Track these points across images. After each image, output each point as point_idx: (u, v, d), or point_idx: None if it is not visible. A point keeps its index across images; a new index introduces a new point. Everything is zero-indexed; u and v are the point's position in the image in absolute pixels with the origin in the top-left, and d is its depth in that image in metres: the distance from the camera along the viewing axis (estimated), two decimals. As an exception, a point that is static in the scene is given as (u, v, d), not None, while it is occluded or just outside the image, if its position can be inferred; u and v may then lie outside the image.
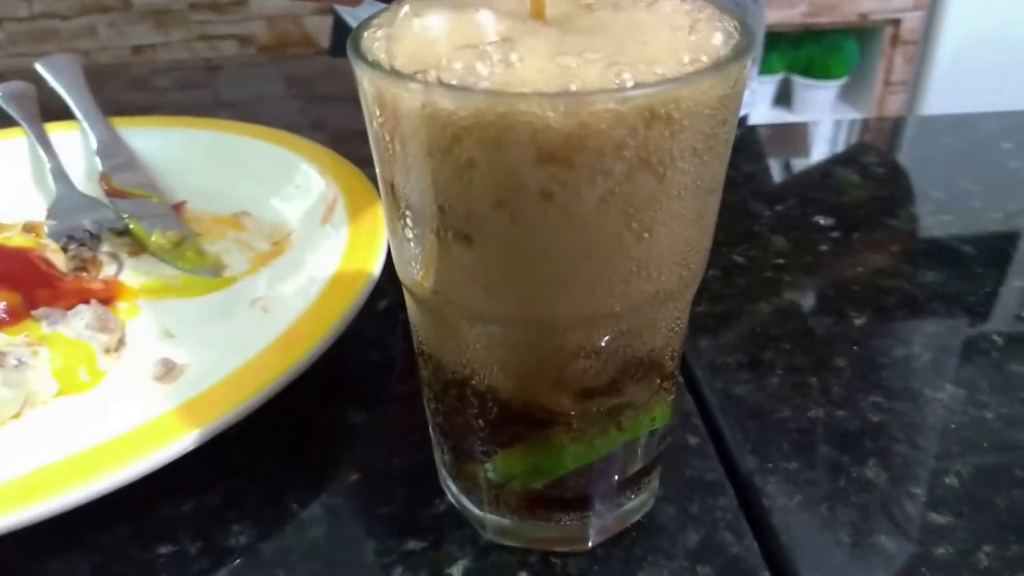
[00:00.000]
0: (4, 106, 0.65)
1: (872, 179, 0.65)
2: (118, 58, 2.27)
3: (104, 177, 0.56)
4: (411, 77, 0.23)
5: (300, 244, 0.51)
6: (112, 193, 0.55)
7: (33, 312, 0.41)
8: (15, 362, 0.38)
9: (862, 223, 0.58)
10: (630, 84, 0.22)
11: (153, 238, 0.51)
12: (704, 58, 0.24)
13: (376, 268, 0.45)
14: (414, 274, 0.28)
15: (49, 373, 0.39)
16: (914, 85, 2.54)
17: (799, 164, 0.71)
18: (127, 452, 0.33)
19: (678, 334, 0.30)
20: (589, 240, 0.24)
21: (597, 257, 0.25)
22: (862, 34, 2.53)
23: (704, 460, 0.38)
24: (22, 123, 0.62)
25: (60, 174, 0.57)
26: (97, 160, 0.58)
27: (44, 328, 0.41)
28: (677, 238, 0.25)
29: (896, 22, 2.44)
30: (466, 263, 0.26)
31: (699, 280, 0.29)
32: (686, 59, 0.24)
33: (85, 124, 0.62)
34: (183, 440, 0.34)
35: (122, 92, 0.87)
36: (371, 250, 0.46)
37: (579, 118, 0.22)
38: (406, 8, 0.26)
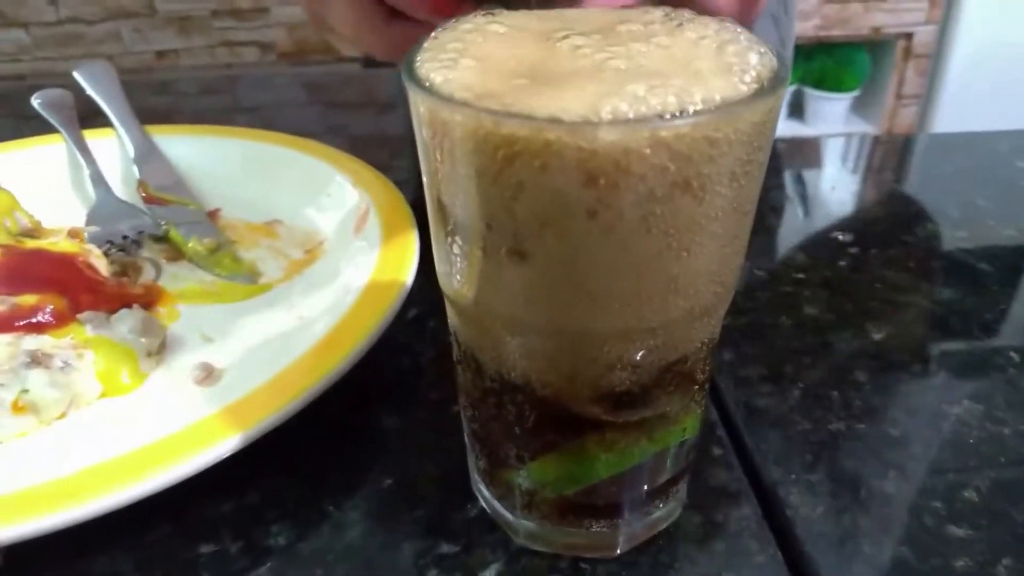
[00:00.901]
0: (43, 113, 0.67)
1: (888, 196, 0.66)
2: (142, 63, 2.30)
3: (142, 184, 0.58)
4: (464, 103, 0.25)
5: (333, 253, 0.53)
6: (150, 200, 0.56)
7: (78, 316, 0.43)
8: (61, 364, 0.40)
9: (879, 239, 0.59)
10: (674, 112, 0.23)
11: (190, 245, 0.52)
12: (743, 86, 0.25)
13: (408, 278, 0.46)
14: (458, 285, 0.29)
15: (94, 375, 0.41)
16: (926, 98, 2.55)
17: (816, 179, 0.72)
18: (172, 454, 0.34)
19: (710, 349, 0.31)
20: (630, 258, 0.25)
21: (637, 274, 0.26)
22: (875, 47, 2.54)
23: (728, 470, 0.39)
24: (60, 129, 0.64)
25: (99, 180, 0.59)
26: (134, 167, 0.60)
27: (89, 332, 0.42)
28: (713, 256, 0.27)
29: (909, 36, 2.45)
30: (510, 277, 0.27)
31: (731, 296, 0.30)
32: (726, 85, 0.25)
33: (122, 131, 0.63)
34: (225, 443, 0.35)
35: (144, 96, 0.88)
36: (403, 260, 0.47)
37: (624, 145, 0.23)
38: (462, 30, 0.27)
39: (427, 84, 0.26)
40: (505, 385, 0.31)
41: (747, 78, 0.25)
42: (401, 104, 0.84)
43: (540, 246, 0.26)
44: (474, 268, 0.28)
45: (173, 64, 2.32)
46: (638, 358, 0.28)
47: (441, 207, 0.28)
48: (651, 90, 0.24)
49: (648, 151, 0.23)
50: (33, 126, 0.66)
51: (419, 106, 0.26)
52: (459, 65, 0.26)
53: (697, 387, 0.32)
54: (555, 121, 0.23)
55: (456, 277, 0.29)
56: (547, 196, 0.24)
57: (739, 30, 0.28)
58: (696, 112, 0.24)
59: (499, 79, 0.25)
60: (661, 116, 0.23)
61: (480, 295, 0.29)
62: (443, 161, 0.26)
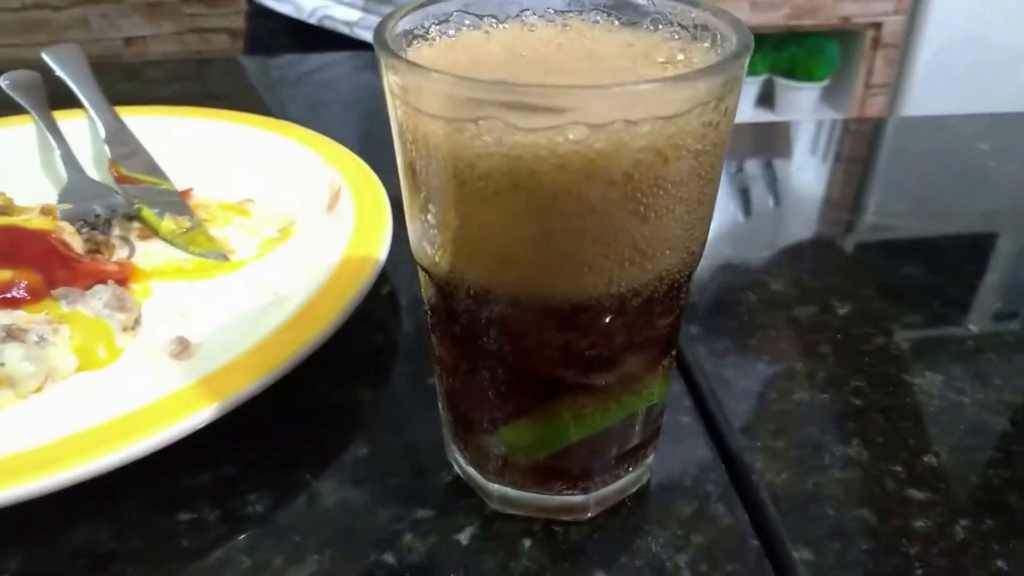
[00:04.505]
0: (11, 94, 0.66)
1: (855, 177, 0.67)
2: (110, 50, 2.27)
3: (113, 164, 0.57)
4: (439, 70, 0.25)
5: (306, 231, 0.53)
6: (122, 179, 0.56)
7: (52, 292, 0.43)
8: (36, 339, 0.40)
9: (844, 219, 0.60)
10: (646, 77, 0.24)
11: (164, 223, 0.52)
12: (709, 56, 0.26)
13: (382, 254, 0.47)
14: (431, 254, 0.30)
15: (69, 350, 0.41)
16: (894, 88, 2.58)
17: (782, 163, 0.73)
18: (150, 424, 0.35)
19: (677, 315, 0.32)
20: (598, 221, 0.26)
21: (605, 238, 0.27)
22: (844, 37, 2.56)
23: (695, 438, 0.40)
24: (30, 111, 0.64)
25: (70, 160, 0.59)
26: (105, 147, 0.60)
27: (64, 307, 0.42)
28: (679, 222, 0.27)
29: (878, 26, 2.48)
30: (481, 244, 0.28)
31: (698, 263, 0.31)
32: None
33: (92, 112, 0.63)
34: (201, 413, 0.35)
35: (113, 83, 0.88)
36: (377, 237, 0.48)
37: (596, 106, 0.24)
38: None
39: (401, 53, 0.26)
40: (478, 351, 0.31)
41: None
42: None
43: (508, 213, 0.26)
44: (446, 236, 0.29)
45: (141, 51, 2.30)
46: (607, 322, 0.29)
47: (414, 174, 0.29)
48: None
49: (619, 114, 0.24)
50: None
51: (389, 73, 0.27)
52: (436, 43, 0.27)
53: (664, 353, 0.32)
54: (526, 85, 0.24)
55: (429, 244, 0.30)
56: (516, 161, 0.25)
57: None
58: (652, 80, 0.24)
59: (474, 59, 0.26)
60: (635, 81, 0.24)
61: (452, 263, 0.29)
62: (413, 127, 0.27)
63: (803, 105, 2.63)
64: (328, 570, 0.33)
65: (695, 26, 0.30)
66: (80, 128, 0.64)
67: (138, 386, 0.40)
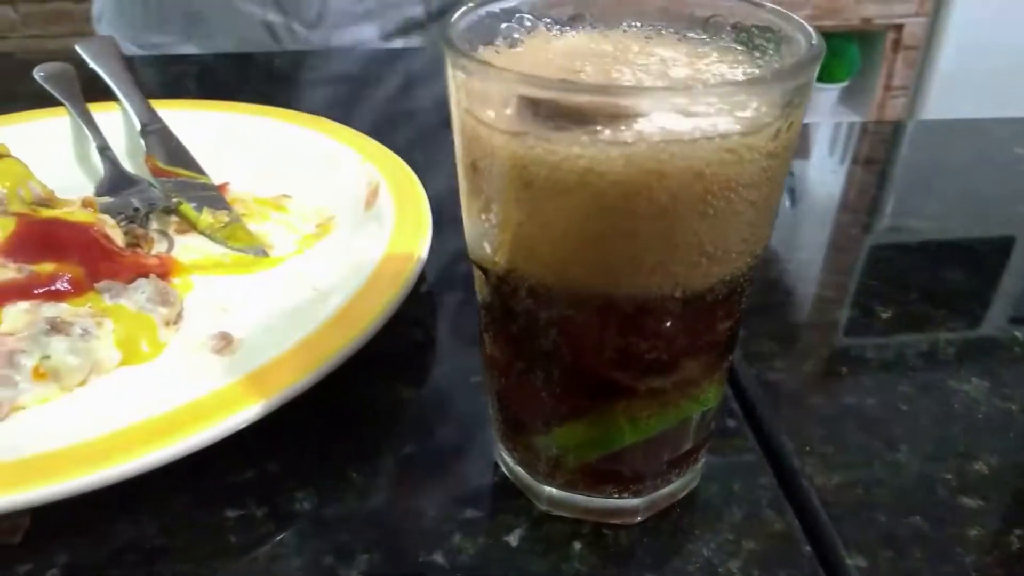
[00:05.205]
0: (46, 86, 0.66)
1: (892, 180, 0.67)
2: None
3: (149, 157, 0.57)
4: (511, 69, 0.25)
5: (345, 227, 0.53)
6: (158, 173, 0.56)
7: (96, 285, 0.43)
8: (81, 332, 0.40)
9: (880, 221, 0.59)
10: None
11: (203, 217, 0.52)
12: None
13: (423, 251, 0.46)
14: (489, 251, 0.30)
15: (113, 343, 0.41)
16: (914, 90, 2.56)
17: (814, 164, 0.72)
18: (198, 419, 0.35)
19: (737, 319, 0.31)
20: (668, 225, 0.26)
21: (673, 241, 0.26)
22: (864, 38, 2.55)
23: (743, 442, 0.39)
24: (65, 103, 0.64)
25: (106, 153, 0.59)
26: (141, 140, 0.59)
27: (107, 300, 0.42)
28: (746, 225, 0.27)
29: (899, 27, 2.46)
30: (544, 243, 0.27)
31: (758, 267, 0.30)
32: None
33: (127, 104, 0.63)
34: (249, 410, 0.35)
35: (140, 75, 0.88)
36: (417, 234, 0.48)
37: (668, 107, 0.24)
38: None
39: (471, 53, 0.26)
40: (534, 351, 0.31)
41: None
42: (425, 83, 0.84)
43: (577, 211, 0.26)
44: (508, 235, 0.28)
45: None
46: (668, 325, 0.29)
47: (476, 172, 0.28)
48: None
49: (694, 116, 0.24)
50: (19, 104, 0.65)
51: (457, 72, 0.27)
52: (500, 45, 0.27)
53: (723, 358, 0.32)
54: (600, 88, 0.24)
55: (487, 242, 0.29)
56: (586, 161, 0.25)
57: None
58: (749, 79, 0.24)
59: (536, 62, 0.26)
60: (713, 83, 0.24)
61: (511, 260, 0.29)
62: (476, 125, 0.27)
63: (822, 106, 2.62)
64: (379, 569, 0.33)
65: (759, 28, 0.30)
66: (114, 121, 0.63)
67: (182, 381, 0.40)
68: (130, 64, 0.70)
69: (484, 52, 0.30)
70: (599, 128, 0.24)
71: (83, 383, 0.40)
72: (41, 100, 0.65)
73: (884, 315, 0.48)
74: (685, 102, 0.24)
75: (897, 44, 2.49)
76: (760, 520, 0.35)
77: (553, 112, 0.25)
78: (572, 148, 0.25)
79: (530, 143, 0.25)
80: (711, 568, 0.33)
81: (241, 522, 0.35)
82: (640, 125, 0.24)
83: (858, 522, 0.35)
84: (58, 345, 0.39)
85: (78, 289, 0.42)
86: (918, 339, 0.46)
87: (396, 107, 0.79)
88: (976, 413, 0.41)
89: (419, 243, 0.47)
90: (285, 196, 0.57)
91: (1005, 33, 2.31)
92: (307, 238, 0.53)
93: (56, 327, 0.39)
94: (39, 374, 0.38)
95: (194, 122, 0.63)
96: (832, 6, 2.40)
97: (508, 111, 0.26)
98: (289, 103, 0.65)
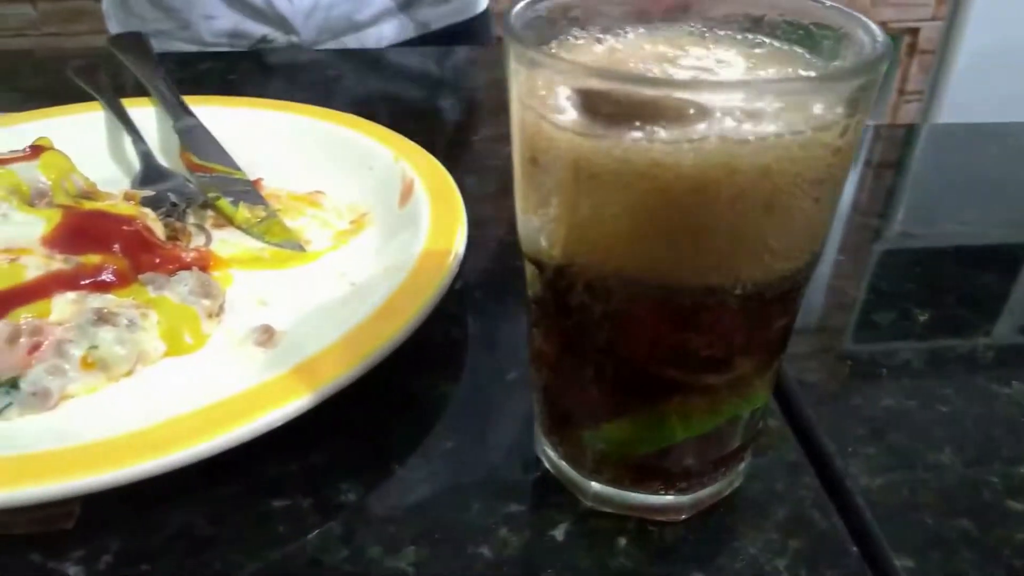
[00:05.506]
0: (79, 81, 0.66)
1: (923, 184, 0.67)
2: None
3: (184, 152, 0.58)
4: (591, 65, 0.25)
5: (379, 224, 0.53)
6: (194, 168, 0.56)
7: (140, 277, 0.43)
8: (127, 322, 0.40)
9: (915, 224, 0.59)
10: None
11: (239, 212, 0.52)
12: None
13: (460, 247, 0.47)
14: (545, 245, 0.30)
15: (158, 335, 0.41)
16: (929, 95, 2.55)
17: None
18: (247, 411, 0.35)
19: (791, 318, 0.31)
20: (733, 220, 0.26)
21: (737, 236, 0.26)
22: (881, 43, 2.54)
23: (784, 442, 0.39)
24: (98, 97, 0.64)
25: (142, 147, 0.59)
26: (176, 135, 0.60)
27: (151, 292, 0.42)
28: (810, 220, 0.27)
29: (915, 31, 2.46)
30: (606, 238, 0.28)
31: (817, 265, 0.30)
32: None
33: (161, 100, 0.63)
34: (299, 401, 0.35)
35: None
36: (453, 230, 0.48)
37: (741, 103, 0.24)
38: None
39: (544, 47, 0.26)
40: (588, 347, 0.31)
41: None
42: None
43: (642, 206, 0.26)
44: (568, 230, 0.28)
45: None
46: (725, 322, 0.29)
47: (536, 168, 0.28)
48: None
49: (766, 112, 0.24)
50: (37, 100, 0.66)
51: (521, 66, 0.27)
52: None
53: (776, 356, 0.32)
54: (677, 83, 0.24)
55: (546, 239, 0.30)
56: (653, 155, 0.25)
57: None
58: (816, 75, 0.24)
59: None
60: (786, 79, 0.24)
61: (573, 257, 0.29)
62: (539, 119, 0.27)
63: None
64: (426, 561, 0.33)
65: (818, 26, 0.30)
66: (147, 116, 0.64)
67: (226, 373, 0.40)
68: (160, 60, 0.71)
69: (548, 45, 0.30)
70: (668, 123, 0.24)
71: (129, 373, 0.40)
72: (76, 96, 0.65)
73: (922, 318, 0.48)
74: (757, 98, 0.24)
75: (912, 48, 2.49)
76: (804, 519, 0.35)
77: (622, 106, 0.25)
78: (640, 143, 0.25)
79: (597, 137, 0.25)
80: (758, 566, 0.33)
81: (288, 512, 0.35)
82: (710, 120, 0.24)
83: (904, 523, 0.35)
84: (106, 335, 0.39)
85: (122, 281, 0.42)
86: (957, 343, 0.46)
87: (416, 106, 0.79)
88: (1019, 417, 0.41)
89: (456, 239, 0.47)
90: (318, 192, 0.57)
91: (1022, 38, 2.30)
92: (342, 234, 0.53)
93: (103, 318, 0.40)
94: (87, 364, 0.39)
95: (224, 118, 0.63)
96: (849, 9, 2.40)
97: (574, 105, 0.26)
98: (314, 101, 0.66)
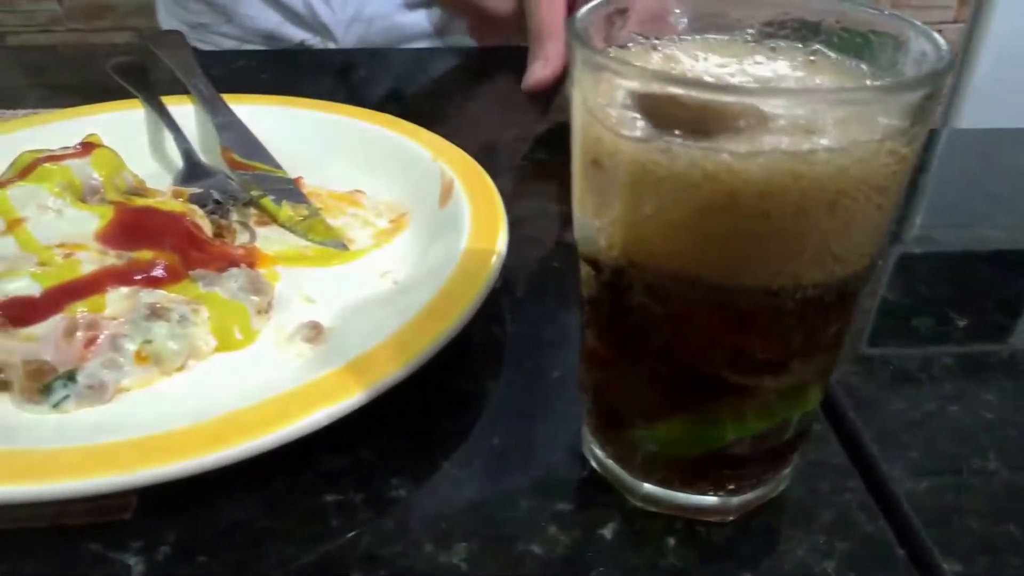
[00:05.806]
0: (119, 79, 0.67)
1: (953, 188, 0.67)
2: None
3: (226, 150, 0.58)
4: (658, 70, 0.25)
5: (420, 223, 0.53)
6: (235, 166, 0.57)
7: (190, 273, 0.44)
8: (179, 317, 0.41)
9: (953, 231, 0.59)
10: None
11: (282, 210, 0.53)
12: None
13: (502, 247, 0.47)
14: (604, 246, 0.30)
15: (208, 330, 0.41)
16: (950, 97, 2.54)
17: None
18: (301, 407, 0.35)
19: (847, 322, 0.32)
20: (797, 224, 0.26)
21: (799, 240, 0.27)
22: (902, 47, 2.52)
23: (829, 445, 0.40)
24: (138, 95, 0.65)
25: (184, 145, 0.60)
26: (216, 133, 0.60)
27: (201, 288, 0.43)
28: (872, 227, 0.28)
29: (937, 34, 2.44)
30: (667, 240, 0.28)
31: (872, 271, 0.31)
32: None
33: (200, 99, 0.64)
34: (353, 398, 0.36)
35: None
36: (494, 231, 0.48)
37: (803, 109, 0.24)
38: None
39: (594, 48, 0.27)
40: (643, 348, 0.31)
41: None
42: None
43: (705, 208, 0.26)
44: (629, 231, 0.29)
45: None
46: (783, 324, 0.29)
47: (597, 170, 0.29)
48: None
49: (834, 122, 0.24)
50: (65, 96, 0.67)
51: (584, 68, 0.27)
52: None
53: (831, 359, 0.32)
54: (740, 87, 0.24)
55: (605, 240, 0.30)
56: (719, 158, 0.25)
57: None
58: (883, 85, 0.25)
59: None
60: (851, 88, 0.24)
61: (633, 258, 0.29)
62: (604, 124, 0.27)
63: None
64: (478, 557, 0.34)
65: (876, 33, 0.30)
66: (187, 113, 0.64)
67: (277, 369, 0.40)
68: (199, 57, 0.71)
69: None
70: (736, 130, 0.25)
71: (181, 368, 0.41)
72: (115, 93, 0.66)
73: (961, 323, 0.49)
74: (825, 107, 0.24)
75: (934, 52, 2.47)
76: (851, 523, 0.36)
77: (689, 112, 0.25)
78: (707, 147, 0.25)
79: (664, 143, 0.26)
80: (806, 568, 0.34)
81: (341, 507, 0.36)
82: (778, 129, 0.24)
83: (950, 528, 0.35)
84: (159, 330, 0.40)
85: (173, 276, 0.43)
86: (997, 347, 0.47)
87: (446, 105, 0.79)
88: (1061, 423, 0.41)
89: (497, 239, 0.48)
90: (359, 191, 0.58)
91: (1046, 44, 2.29)
92: (382, 233, 0.53)
93: (156, 312, 0.40)
94: (141, 358, 0.39)
95: (261, 116, 0.64)
96: (869, 13, 2.39)
97: (639, 110, 0.26)
98: (345, 100, 0.66)
